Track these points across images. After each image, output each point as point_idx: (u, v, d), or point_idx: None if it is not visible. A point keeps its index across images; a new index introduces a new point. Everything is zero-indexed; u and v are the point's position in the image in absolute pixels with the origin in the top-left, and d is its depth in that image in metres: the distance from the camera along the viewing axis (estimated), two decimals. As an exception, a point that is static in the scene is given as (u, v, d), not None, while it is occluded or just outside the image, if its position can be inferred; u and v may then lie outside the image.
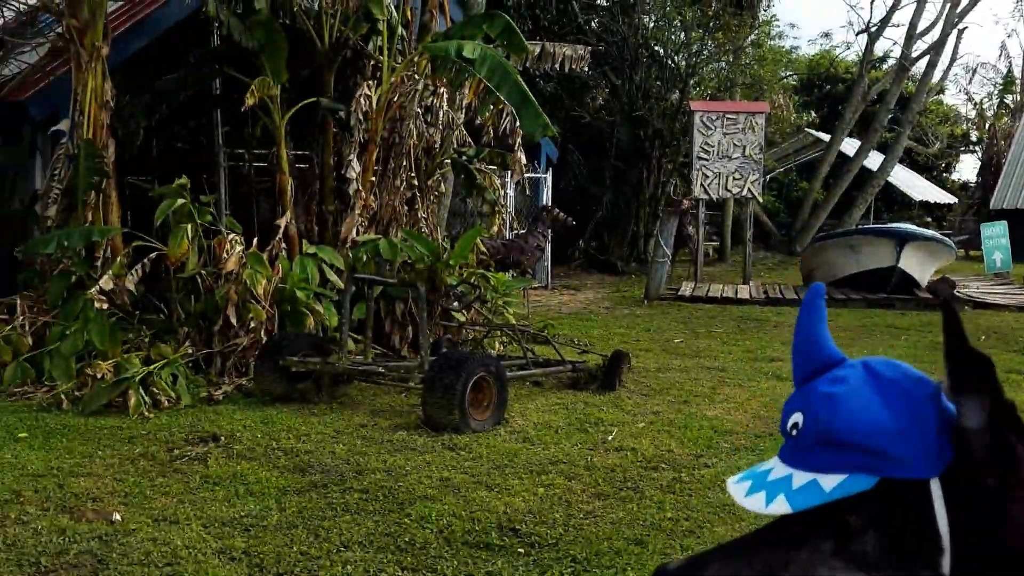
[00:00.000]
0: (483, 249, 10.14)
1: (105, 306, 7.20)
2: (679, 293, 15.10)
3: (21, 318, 7.61)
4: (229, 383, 7.31)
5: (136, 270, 7.71)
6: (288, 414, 6.51)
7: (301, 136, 11.12)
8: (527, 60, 9.81)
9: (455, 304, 8.40)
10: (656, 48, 21.25)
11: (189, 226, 7.54)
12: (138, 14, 10.85)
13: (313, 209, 10.41)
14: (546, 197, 16.82)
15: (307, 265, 8.34)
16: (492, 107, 8.65)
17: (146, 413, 6.39)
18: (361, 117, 9.01)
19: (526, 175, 17.12)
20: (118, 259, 7.72)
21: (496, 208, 10.48)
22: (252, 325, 7.52)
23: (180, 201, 7.58)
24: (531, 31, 18.90)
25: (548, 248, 17.04)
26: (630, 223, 20.81)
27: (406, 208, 9.97)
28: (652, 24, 20.77)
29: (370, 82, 9.14)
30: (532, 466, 5.36)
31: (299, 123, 11.11)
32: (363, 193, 9.05)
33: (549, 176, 17.05)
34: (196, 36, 10.79)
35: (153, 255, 7.86)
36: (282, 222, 9.39)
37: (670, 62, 21.30)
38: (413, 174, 9.83)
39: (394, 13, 9.59)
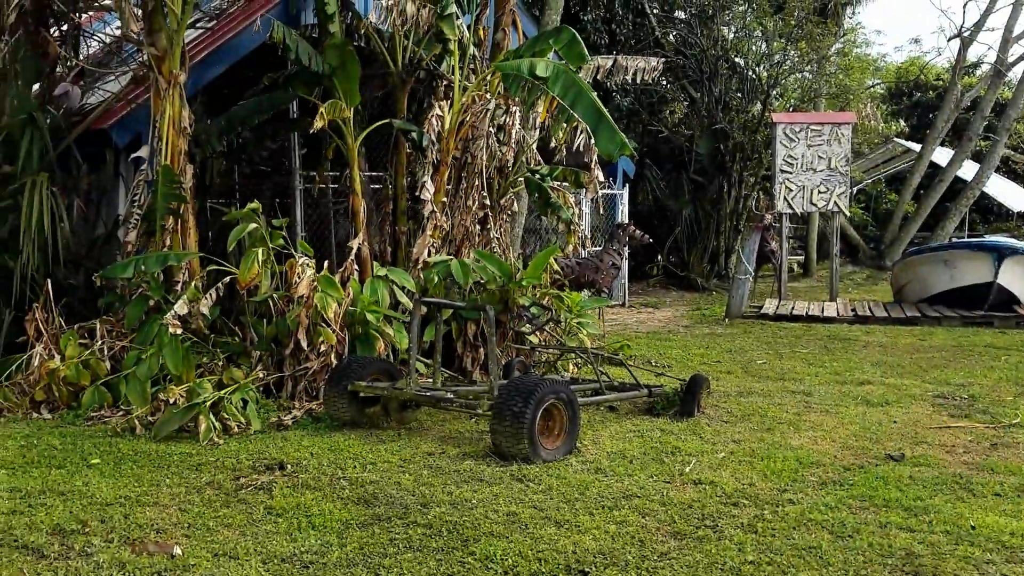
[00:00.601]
0: (556, 268, 9.93)
1: (179, 331, 7.23)
2: (762, 311, 14.63)
3: (100, 342, 7.72)
4: (299, 408, 7.26)
5: (210, 294, 7.75)
6: (356, 441, 6.40)
7: (376, 157, 11.15)
8: (598, 73, 9.59)
9: (527, 326, 8.20)
10: (736, 59, 20.78)
11: (260, 250, 7.54)
12: (216, 41, 10.99)
13: (387, 230, 10.39)
14: (623, 213, 16.54)
15: (378, 287, 8.26)
16: (566, 125, 8.43)
17: (216, 439, 6.36)
18: (434, 137, 8.92)
19: (601, 191, 16.90)
20: (192, 283, 7.76)
21: (572, 227, 10.27)
22: (322, 349, 7.47)
23: (252, 225, 7.59)
24: (607, 46, 18.72)
25: (624, 265, 16.76)
26: (710, 238, 20.34)
27: (478, 228, 9.85)
28: (732, 35, 20.33)
29: (442, 102, 9.05)
30: (604, 500, 5.11)
31: (375, 144, 11.15)
32: (436, 213, 8.96)
33: (625, 192, 16.78)
34: (275, 61, 10.90)
35: (227, 279, 7.90)
36: (355, 244, 9.37)
37: (751, 73, 20.80)
38: (485, 193, 9.71)
39: (466, 32, 9.50)
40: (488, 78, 9.23)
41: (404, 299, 8.56)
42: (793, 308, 14.76)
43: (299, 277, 7.44)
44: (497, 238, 9.88)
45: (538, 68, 8.51)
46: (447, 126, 9.19)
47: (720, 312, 15.09)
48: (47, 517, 4.78)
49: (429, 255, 9.13)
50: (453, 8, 8.93)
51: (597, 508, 4.98)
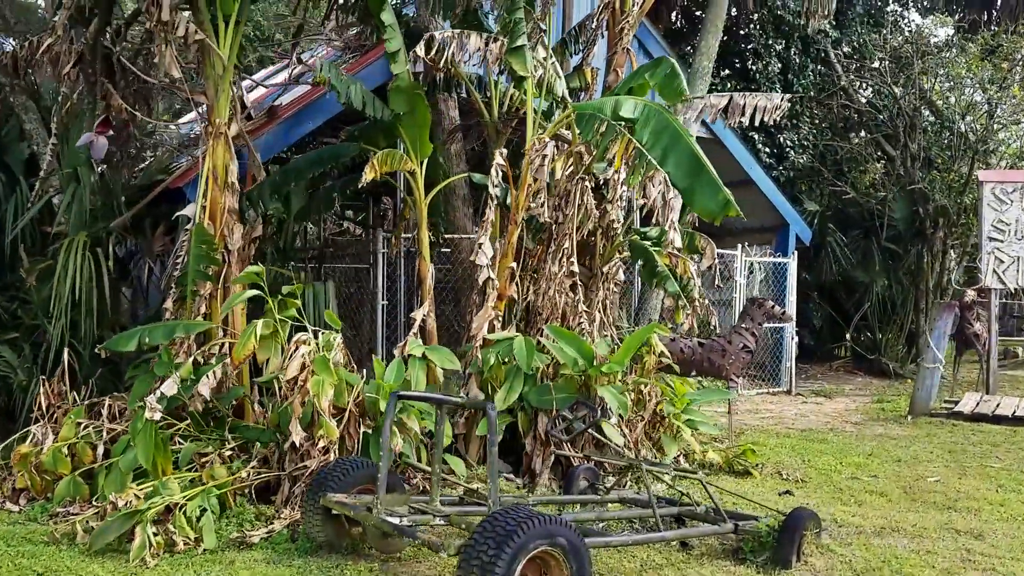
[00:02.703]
0: (663, 351, 8.11)
1: (157, 415, 6.10)
2: (956, 408, 11.89)
3: (90, 425, 6.76)
4: (285, 518, 5.90)
5: (213, 372, 6.62)
6: (308, 576, 4.94)
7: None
8: (709, 113, 7.84)
9: (557, 431, 6.44)
10: (943, 109, 18.01)
11: (260, 323, 6.34)
12: (310, 97, 10.19)
13: (473, 299, 9.05)
14: (789, 286, 14.31)
15: (412, 369, 6.86)
16: (643, 174, 6.74)
17: (148, 559, 5.11)
18: (493, 192, 7.50)
19: (767, 259, 14.78)
20: (191, 359, 6.67)
21: (680, 302, 8.45)
22: (321, 444, 6.11)
23: (250, 292, 6.43)
24: (780, 97, 16.68)
25: (791, 346, 14.46)
26: (907, 316, 17.44)
27: (575, 297, 8.27)
28: (935, 83, 17.63)
29: (503, 149, 7.64)
30: None
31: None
32: (493, 280, 7.50)
33: (793, 261, 14.52)
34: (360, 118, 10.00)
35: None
36: (418, 315, 8.09)
37: (962, 126, 17.92)
38: (574, 259, 8.14)
39: (549, 70, 8.06)
40: (566, 120, 7.70)
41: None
42: (998, 406, 11.89)
43: (292, 356, 6.14)
44: (587, 311, 8.24)
45: (623, 108, 6.93)
46: (521, 178, 7.76)
47: (906, 406, 12.46)
48: None
49: (492, 331, 7.66)
50: (524, 40, 7.54)
51: None
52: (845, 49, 18.21)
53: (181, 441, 6.71)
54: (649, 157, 6.44)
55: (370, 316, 10.63)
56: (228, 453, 6.66)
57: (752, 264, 14.36)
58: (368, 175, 7.42)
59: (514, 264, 7.81)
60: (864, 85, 18.24)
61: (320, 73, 7.37)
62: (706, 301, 9.08)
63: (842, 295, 18.17)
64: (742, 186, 14.79)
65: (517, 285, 7.88)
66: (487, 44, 7.51)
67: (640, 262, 8.54)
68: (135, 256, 10.12)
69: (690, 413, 8.05)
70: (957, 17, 19.98)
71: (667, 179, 6.56)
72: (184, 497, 5.57)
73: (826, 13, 15.36)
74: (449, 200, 10.07)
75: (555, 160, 8.53)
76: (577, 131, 7.26)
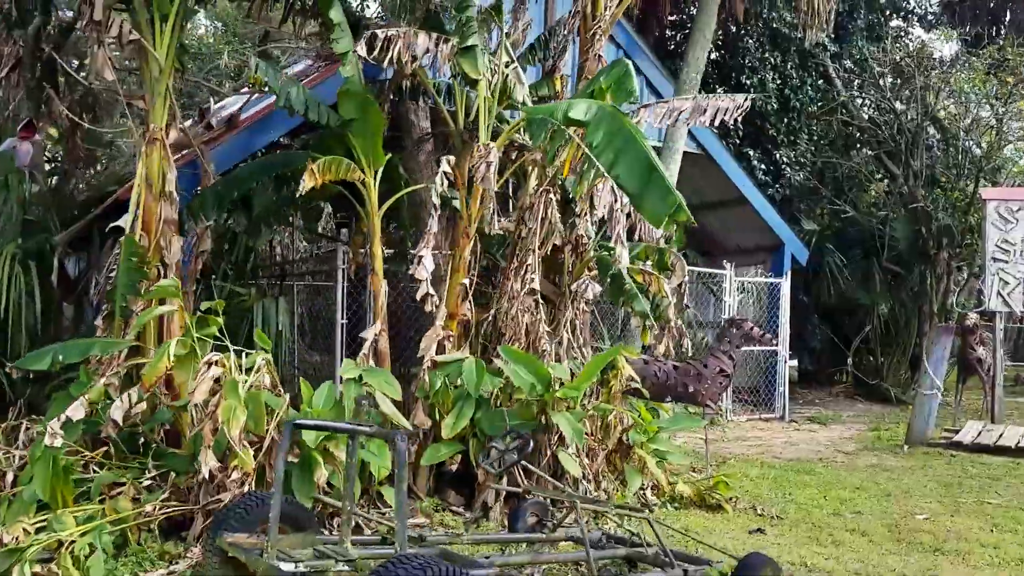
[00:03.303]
0: (628, 373, 7.54)
1: (59, 442, 5.58)
2: (956, 438, 11.24)
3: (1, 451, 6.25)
4: (193, 557, 5.36)
5: (128, 395, 6.09)
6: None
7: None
8: (670, 117, 7.32)
9: (487, 462, 5.84)
10: (947, 125, 17.44)
11: (174, 342, 5.82)
12: (271, 108, 9.74)
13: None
14: (782, 307, 13.73)
15: (349, 392, 6.33)
16: (590, 180, 6.21)
17: (24, 603, 4.59)
18: (436, 201, 6.98)
19: (759, 279, 14.22)
20: (102, 381, 6.15)
21: (648, 322, 7.89)
22: (234, 476, 5.57)
23: (163, 308, 5.92)
24: (777, 112, 16.21)
25: (783, 369, 13.86)
26: (910, 340, 16.78)
27: (538, 317, 7.74)
28: (937, 99, 17.05)
29: (450, 157, 7.14)
30: None
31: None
32: (434, 296, 6.98)
33: (787, 281, 13.94)
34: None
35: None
36: (370, 334, 7.56)
37: (970, 142, 17.33)
38: (536, 275, 7.61)
39: (509, 74, 7.56)
40: (519, 127, 7.20)
41: (391, 410, 6.54)
42: (1002, 436, 11.22)
43: (198, 379, 5.62)
44: (549, 332, 7.71)
45: (575, 110, 6.42)
46: (474, 188, 7.25)
47: (903, 436, 11.82)
48: None
49: (442, 351, 7.12)
50: (476, 41, 7.05)
51: None
52: (846, 63, 17.67)
53: (97, 470, 6.20)
54: (597, 163, 5.91)
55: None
56: (147, 483, 6.13)
57: (743, 284, 13.79)
58: (308, 183, 6.92)
59: (466, 280, 7.29)
60: (865, 101, 17.69)
61: (255, 73, 6.89)
62: (678, 322, 8.54)
63: (842, 318, 17.56)
64: (735, 204, 14.28)
65: (471, 303, 7.35)
66: (437, 44, 7.03)
67: (607, 280, 7.99)
68: (87, 270, 9.68)
69: (658, 442, 7.48)
70: (962, 31, 19.46)
71: (614, 187, 6.03)
72: (76, 533, 5.04)
73: (824, 25, 14.84)
74: (418, 213, 9.59)
75: (524, 168, 8.06)
76: (529, 136, 6.75)
